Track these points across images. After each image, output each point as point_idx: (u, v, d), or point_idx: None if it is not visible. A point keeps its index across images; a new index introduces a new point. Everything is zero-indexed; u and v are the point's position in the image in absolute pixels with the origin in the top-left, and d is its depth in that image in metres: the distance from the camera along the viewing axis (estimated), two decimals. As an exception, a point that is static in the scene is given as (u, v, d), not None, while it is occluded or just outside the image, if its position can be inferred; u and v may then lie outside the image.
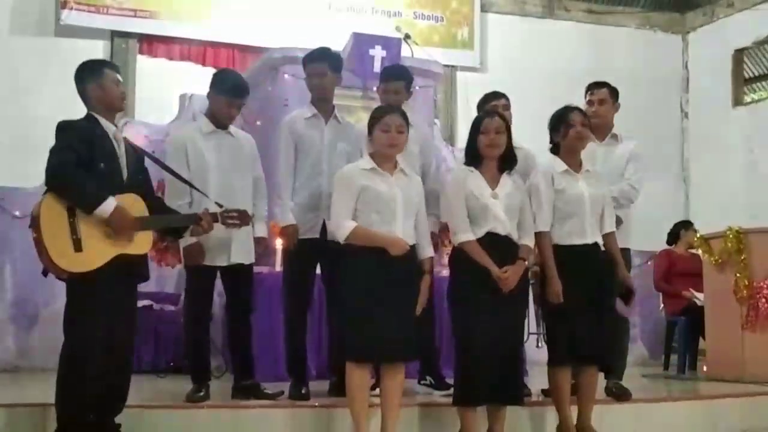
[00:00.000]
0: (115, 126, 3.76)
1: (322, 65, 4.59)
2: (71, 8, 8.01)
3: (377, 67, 6.26)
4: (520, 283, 3.99)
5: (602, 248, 4.25)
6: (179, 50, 8.57)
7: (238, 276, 4.49)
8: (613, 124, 5.03)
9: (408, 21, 9.15)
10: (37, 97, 7.64)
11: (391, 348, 3.75)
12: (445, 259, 5.29)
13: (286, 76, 6.31)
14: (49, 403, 3.63)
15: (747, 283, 6.01)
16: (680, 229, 7.57)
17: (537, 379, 4.89)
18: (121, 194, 3.58)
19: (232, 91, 4.46)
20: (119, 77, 3.77)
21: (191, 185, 4.26)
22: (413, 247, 3.88)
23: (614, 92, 5.03)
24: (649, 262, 7.87)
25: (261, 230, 4.62)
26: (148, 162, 3.95)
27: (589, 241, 4.19)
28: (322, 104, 4.64)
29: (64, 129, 3.56)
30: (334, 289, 4.46)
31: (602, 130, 4.96)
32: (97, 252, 3.47)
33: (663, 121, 9.92)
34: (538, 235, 4.12)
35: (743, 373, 5.94)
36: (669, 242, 7.58)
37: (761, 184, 8.97)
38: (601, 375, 4.43)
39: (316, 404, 4.32)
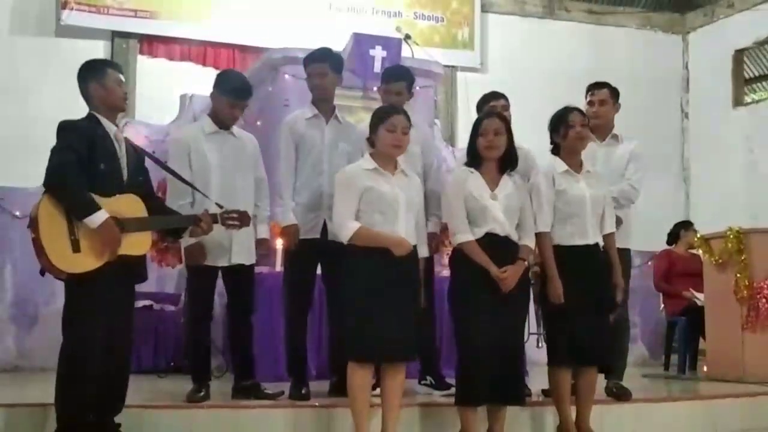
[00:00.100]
0: (117, 126, 3.76)
1: (323, 65, 4.59)
2: (71, 8, 8.02)
3: (377, 68, 6.27)
4: (521, 284, 3.99)
5: (603, 249, 4.25)
6: (179, 50, 8.58)
7: (239, 276, 4.49)
8: (614, 125, 5.03)
9: (408, 21, 9.15)
10: (37, 97, 7.64)
11: (391, 348, 3.75)
12: (446, 260, 5.29)
13: (286, 76, 6.31)
14: (49, 403, 3.62)
15: (747, 283, 6.02)
16: (680, 229, 7.57)
17: (537, 379, 4.88)
18: (120, 195, 3.58)
19: (235, 92, 4.46)
20: (122, 77, 3.77)
21: (192, 186, 4.26)
22: (414, 248, 3.89)
23: (615, 93, 5.03)
24: (649, 263, 7.87)
25: (263, 231, 4.62)
26: (148, 162, 3.95)
27: (591, 241, 4.19)
28: (323, 104, 4.64)
29: (65, 129, 3.55)
30: (334, 289, 4.46)
31: (603, 130, 4.96)
32: (95, 253, 3.46)
33: (663, 121, 9.93)
34: (539, 236, 4.12)
35: (743, 373, 5.94)
36: (669, 242, 7.58)
37: (761, 184, 8.97)
38: (602, 375, 4.43)
39: (317, 404, 4.32)
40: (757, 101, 9.61)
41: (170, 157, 4.48)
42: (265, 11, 8.64)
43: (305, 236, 4.51)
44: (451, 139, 9.01)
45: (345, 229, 3.80)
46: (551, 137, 4.31)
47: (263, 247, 4.64)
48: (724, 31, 9.76)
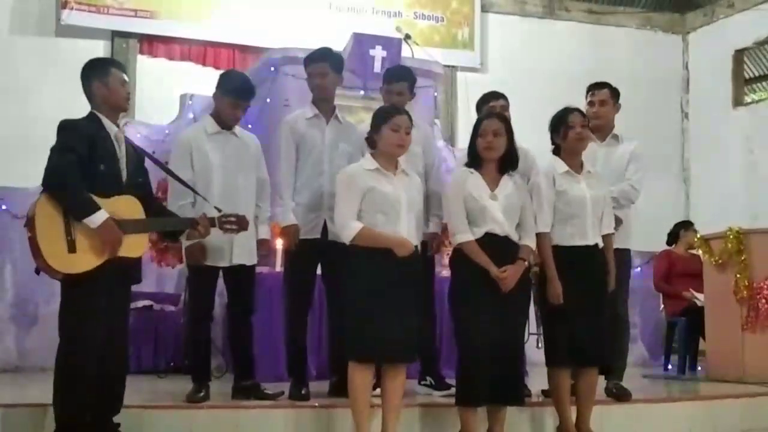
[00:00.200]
0: (117, 126, 3.75)
1: (323, 65, 4.59)
2: (72, 8, 8.01)
3: (378, 68, 6.27)
4: (521, 284, 3.99)
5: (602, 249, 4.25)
6: (179, 50, 8.57)
7: (239, 277, 4.49)
8: (614, 125, 5.03)
9: (408, 21, 9.15)
10: (37, 97, 7.64)
11: (392, 349, 3.75)
12: (446, 260, 5.29)
13: (286, 76, 6.31)
14: (49, 403, 3.61)
15: (747, 283, 6.02)
16: (680, 230, 7.56)
17: (537, 380, 4.88)
18: (119, 196, 3.58)
19: (237, 92, 4.46)
20: (126, 77, 3.77)
21: (191, 188, 4.26)
22: (416, 248, 3.89)
23: (615, 93, 5.03)
24: (649, 263, 7.87)
25: (264, 232, 4.62)
26: (148, 162, 3.94)
27: (590, 242, 4.19)
28: (324, 104, 4.64)
29: (65, 128, 3.55)
30: (334, 289, 4.46)
31: (603, 130, 4.96)
32: (92, 253, 3.46)
33: (663, 121, 9.92)
34: (538, 236, 4.12)
35: (743, 373, 5.94)
36: (669, 242, 7.58)
37: (761, 184, 8.97)
38: (602, 376, 4.43)
39: (316, 404, 4.31)
40: (757, 101, 9.61)
41: (172, 157, 4.48)
42: (265, 11, 8.64)
43: (305, 236, 4.51)
44: (451, 139, 9.00)
45: (347, 229, 3.80)
46: (551, 138, 4.31)
47: (264, 248, 4.64)
48: (724, 31, 9.76)
